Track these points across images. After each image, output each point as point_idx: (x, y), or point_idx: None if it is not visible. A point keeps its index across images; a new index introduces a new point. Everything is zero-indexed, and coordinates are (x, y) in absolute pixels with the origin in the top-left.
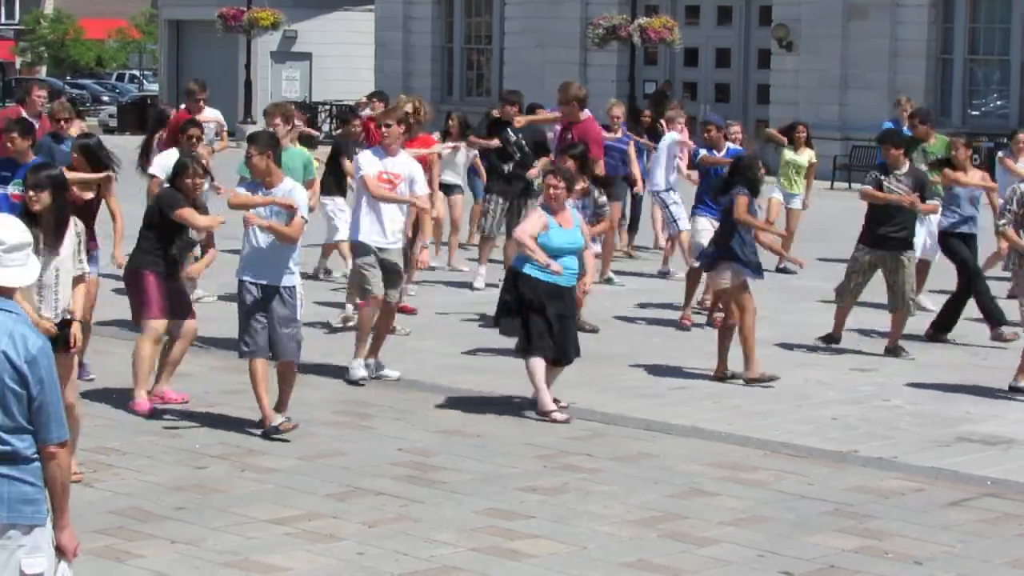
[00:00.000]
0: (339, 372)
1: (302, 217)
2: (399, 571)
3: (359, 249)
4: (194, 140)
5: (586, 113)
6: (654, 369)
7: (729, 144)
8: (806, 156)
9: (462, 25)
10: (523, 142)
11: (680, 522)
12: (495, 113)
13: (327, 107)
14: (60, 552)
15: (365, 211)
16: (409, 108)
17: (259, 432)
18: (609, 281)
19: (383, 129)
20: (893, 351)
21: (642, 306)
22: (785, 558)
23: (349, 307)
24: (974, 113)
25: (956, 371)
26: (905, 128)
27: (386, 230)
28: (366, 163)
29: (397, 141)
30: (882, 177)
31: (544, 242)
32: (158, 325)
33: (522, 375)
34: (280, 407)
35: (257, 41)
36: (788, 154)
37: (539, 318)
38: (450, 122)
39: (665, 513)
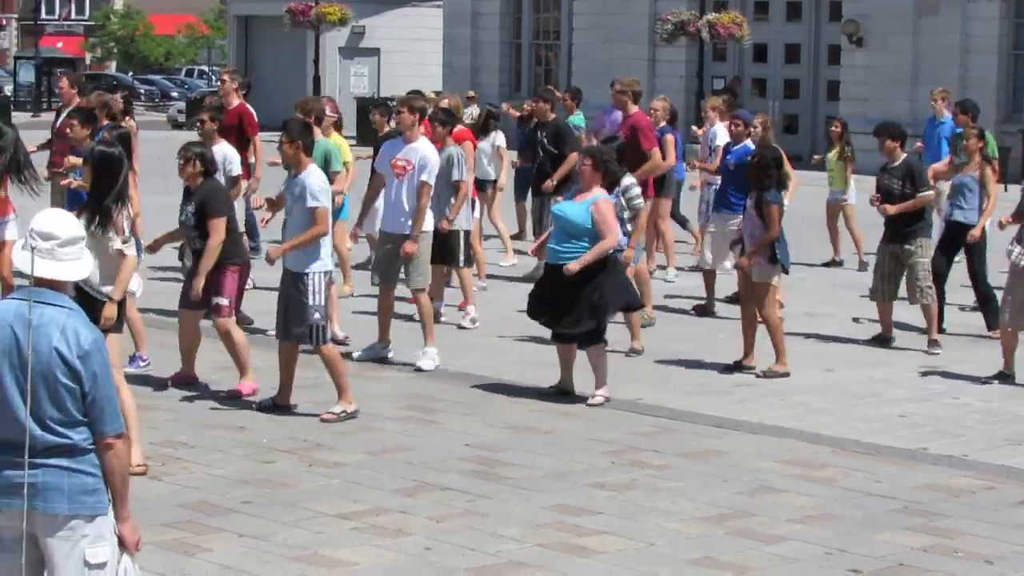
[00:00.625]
0: (405, 366)
1: (313, 208)
2: (466, 566)
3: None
4: (196, 125)
5: (636, 107)
6: (720, 366)
7: (747, 142)
8: (833, 152)
9: (530, 21)
10: (545, 141)
11: (748, 519)
12: (526, 107)
13: (395, 103)
14: (122, 544)
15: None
16: (445, 103)
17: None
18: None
19: (396, 116)
20: (929, 344)
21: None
22: (853, 556)
23: (471, 307)
24: None
25: None
26: (944, 121)
27: (389, 216)
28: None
29: (410, 128)
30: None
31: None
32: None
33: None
34: (338, 395)
35: (325, 36)
36: (829, 153)
37: (538, 287)
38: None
39: (733, 510)
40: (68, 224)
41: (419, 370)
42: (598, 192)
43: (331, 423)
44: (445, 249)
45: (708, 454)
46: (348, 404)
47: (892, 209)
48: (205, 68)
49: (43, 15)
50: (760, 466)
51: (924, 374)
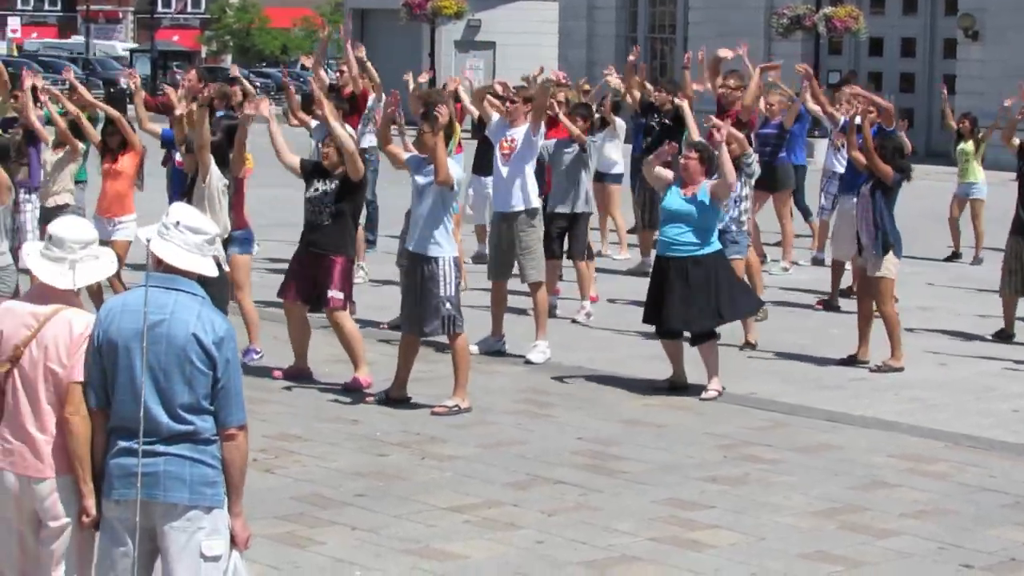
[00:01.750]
0: (519, 359)
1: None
2: (578, 559)
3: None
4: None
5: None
6: (834, 360)
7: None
8: (968, 144)
9: (646, 14)
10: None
11: (861, 514)
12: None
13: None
14: (232, 541)
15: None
16: (562, 97)
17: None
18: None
19: (508, 105)
20: None
21: (816, 293)
22: (966, 551)
23: (587, 303)
24: None
25: None
26: None
27: (499, 196)
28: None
29: (520, 116)
30: None
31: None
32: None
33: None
34: (454, 389)
35: (441, 30)
36: (960, 145)
37: (653, 289)
38: (603, 106)
39: (845, 505)
40: (210, 222)
41: (529, 363)
42: (705, 182)
43: (442, 416)
44: (573, 237)
45: (821, 448)
46: (462, 400)
47: None
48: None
49: (159, 8)
50: (873, 461)
51: None
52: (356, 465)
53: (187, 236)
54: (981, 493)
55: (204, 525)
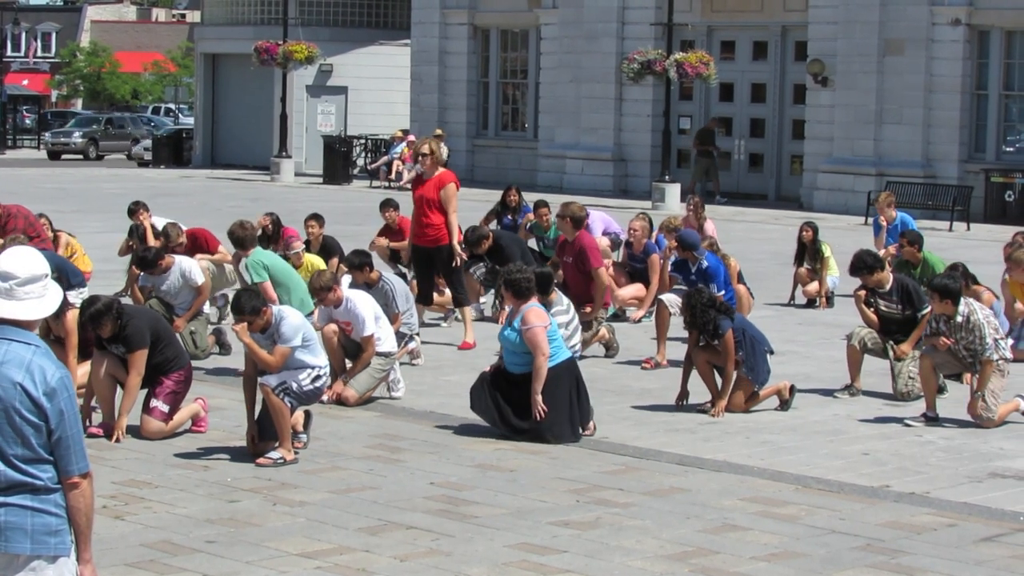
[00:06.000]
0: (372, 405)
1: (290, 348)
2: None
3: None
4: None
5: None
6: (686, 405)
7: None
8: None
9: (498, 60)
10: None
11: (712, 557)
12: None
13: (362, 141)
14: None
15: None
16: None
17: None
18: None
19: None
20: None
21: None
22: None
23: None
24: (1008, 149)
25: None
26: (895, 224)
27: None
28: None
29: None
30: (869, 296)
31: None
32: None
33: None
34: (279, 442)
35: (292, 75)
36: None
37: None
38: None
39: (697, 548)
40: (28, 263)
41: (394, 398)
42: (526, 307)
43: (267, 467)
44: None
45: (672, 492)
46: (287, 452)
47: (908, 348)
48: (172, 106)
49: (8, 52)
50: (724, 504)
51: (887, 413)
52: (207, 511)
53: (16, 288)
54: (831, 535)
55: (48, 574)
